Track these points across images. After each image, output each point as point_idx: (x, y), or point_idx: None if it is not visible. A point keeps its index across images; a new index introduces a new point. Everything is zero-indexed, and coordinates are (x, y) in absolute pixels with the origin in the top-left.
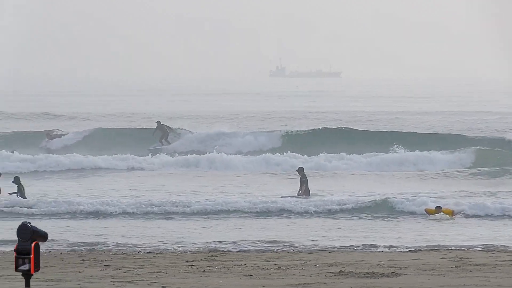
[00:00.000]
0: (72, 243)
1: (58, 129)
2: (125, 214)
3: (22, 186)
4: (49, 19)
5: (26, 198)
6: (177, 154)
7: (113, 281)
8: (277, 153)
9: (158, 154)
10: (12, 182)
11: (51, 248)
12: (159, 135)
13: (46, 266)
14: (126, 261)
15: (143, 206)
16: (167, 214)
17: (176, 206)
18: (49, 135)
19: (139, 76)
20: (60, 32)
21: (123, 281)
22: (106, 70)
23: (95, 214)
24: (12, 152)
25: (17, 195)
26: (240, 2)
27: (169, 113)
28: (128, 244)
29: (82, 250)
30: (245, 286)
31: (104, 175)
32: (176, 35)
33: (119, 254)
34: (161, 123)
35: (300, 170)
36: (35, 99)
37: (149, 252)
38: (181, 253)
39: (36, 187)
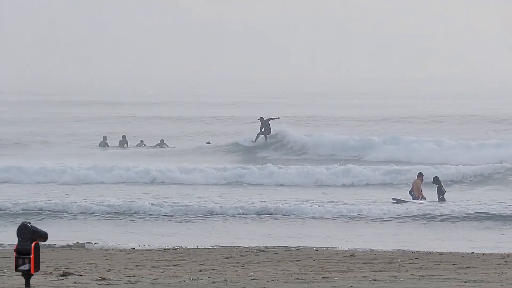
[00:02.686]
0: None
1: None
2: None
3: (443, 187)
4: None
5: (445, 200)
6: None
7: None
8: None
9: None
10: (432, 182)
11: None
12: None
13: (469, 267)
14: None
15: None
16: None
17: None
18: None
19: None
20: None
21: None
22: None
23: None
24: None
25: (439, 198)
26: None
27: None
28: None
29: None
30: None
31: None
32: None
33: None
34: (265, 119)
35: None
36: None
37: None
38: None
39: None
